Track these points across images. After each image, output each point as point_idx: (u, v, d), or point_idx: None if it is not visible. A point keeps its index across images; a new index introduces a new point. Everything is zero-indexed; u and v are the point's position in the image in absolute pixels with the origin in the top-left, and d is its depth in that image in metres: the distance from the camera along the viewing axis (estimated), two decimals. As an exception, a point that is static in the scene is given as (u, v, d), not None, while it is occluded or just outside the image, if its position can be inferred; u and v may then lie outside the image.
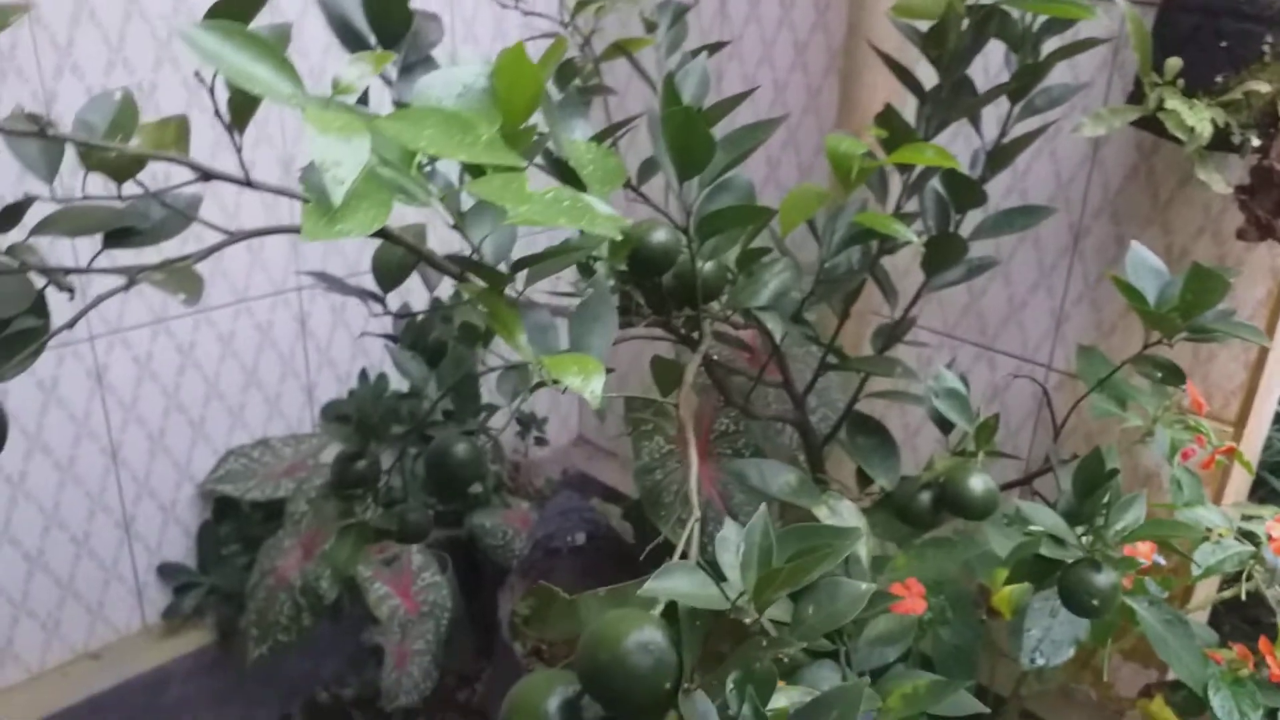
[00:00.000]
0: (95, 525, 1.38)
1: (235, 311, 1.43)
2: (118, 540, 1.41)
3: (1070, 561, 0.83)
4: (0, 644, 1.34)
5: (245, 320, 1.45)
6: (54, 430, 1.31)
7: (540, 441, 1.83)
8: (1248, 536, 0.99)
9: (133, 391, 1.37)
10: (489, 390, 1.66)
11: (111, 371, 1.34)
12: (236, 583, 1.45)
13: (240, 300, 1.43)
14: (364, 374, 1.60)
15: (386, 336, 0.93)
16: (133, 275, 0.60)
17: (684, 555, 0.59)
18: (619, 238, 0.54)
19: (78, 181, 0.62)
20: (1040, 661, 0.99)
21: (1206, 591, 1.19)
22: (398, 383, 1.64)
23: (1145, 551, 0.94)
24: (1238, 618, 1.38)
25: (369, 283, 0.79)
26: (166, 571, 1.47)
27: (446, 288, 1.43)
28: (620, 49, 0.89)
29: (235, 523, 1.50)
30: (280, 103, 0.49)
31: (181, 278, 0.59)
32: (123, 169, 0.60)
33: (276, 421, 1.54)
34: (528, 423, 1.80)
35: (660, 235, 0.81)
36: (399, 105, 0.66)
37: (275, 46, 0.50)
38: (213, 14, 0.52)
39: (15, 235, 0.64)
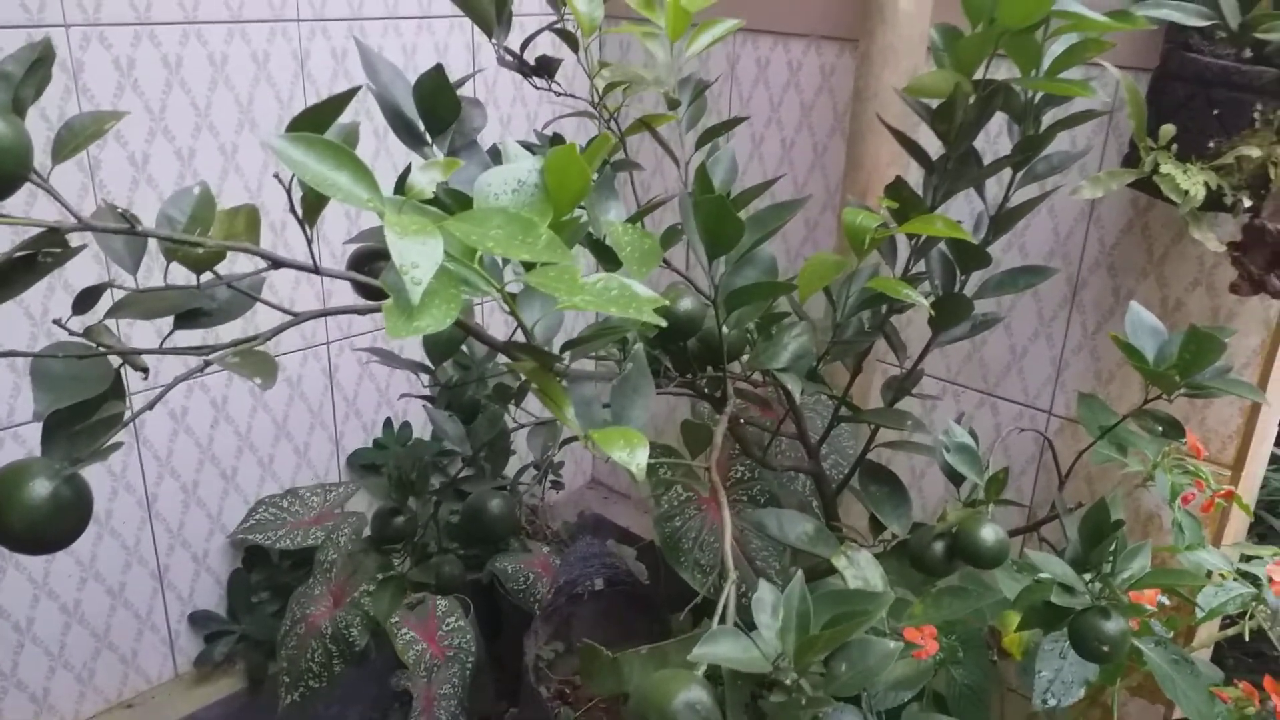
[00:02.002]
0: (130, 576, 1.42)
1: (265, 366, 1.48)
2: (151, 590, 1.45)
3: (1080, 609, 0.87)
4: (37, 695, 1.37)
5: (277, 375, 1.50)
6: (93, 485, 1.34)
7: (557, 485, 1.87)
8: (1248, 578, 1.03)
9: (168, 445, 1.41)
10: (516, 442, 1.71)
11: (148, 426, 1.38)
12: (266, 630, 1.49)
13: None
14: (389, 423, 1.65)
15: (424, 398, 0.98)
16: (207, 358, 0.65)
17: (723, 619, 0.63)
18: (662, 323, 0.59)
19: (158, 267, 0.67)
20: (1052, 702, 1.03)
21: (1209, 629, 1.23)
22: (419, 431, 1.69)
23: (1150, 597, 0.98)
24: (1240, 652, 1.42)
25: (397, 346, 0.83)
26: (198, 620, 1.51)
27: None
28: (644, 125, 0.95)
29: (265, 571, 1.54)
30: (359, 207, 0.54)
31: (255, 361, 0.63)
32: (202, 262, 0.64)
33: (305, 471, 1.58)
34: (544, 468, 1.84)
35: (687, 304, 0.86)
36: (449, 191, 0.71)
37: (352, 154, 0.55)
38: (296, 124, 0.57)
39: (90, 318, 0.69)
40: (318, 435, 1.58)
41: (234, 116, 1.36)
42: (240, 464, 1.50)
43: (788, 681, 0.56)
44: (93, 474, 1.33)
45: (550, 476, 1.85)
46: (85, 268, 1.19)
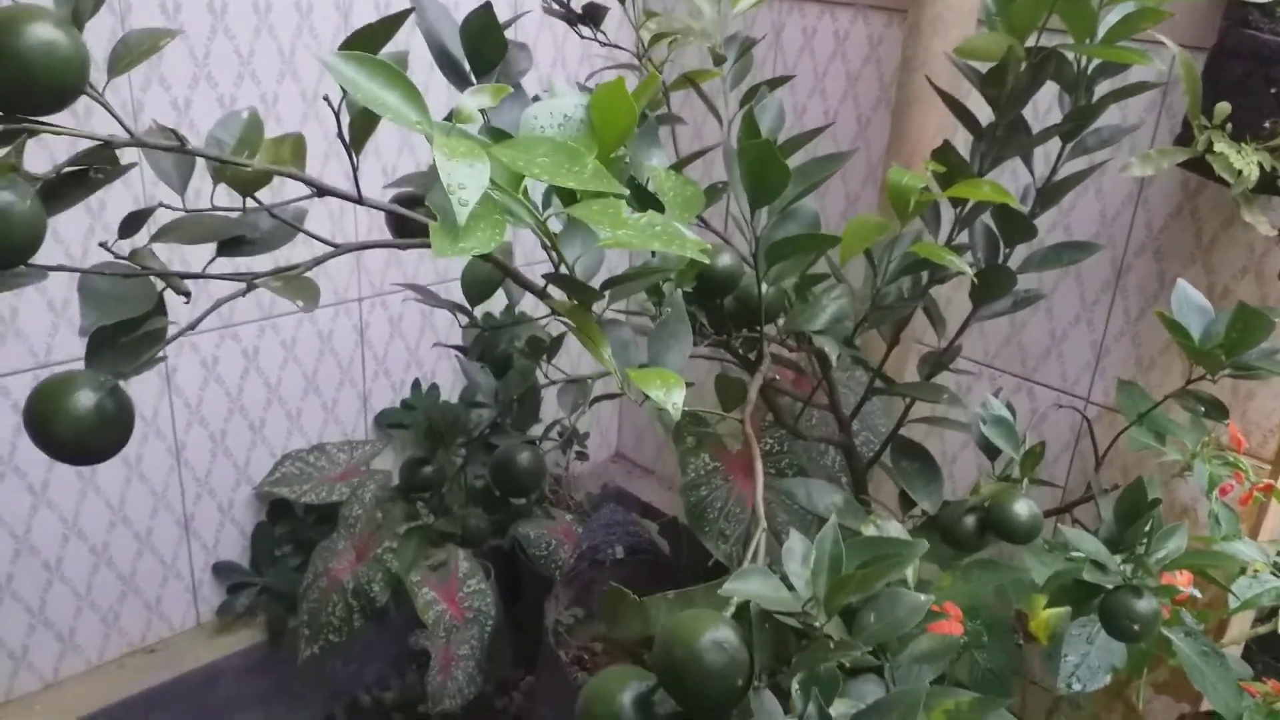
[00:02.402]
0: (157, 522, 1.43)
1: (299, 319, 1.49)
2: (177, 538, 1.46)
3: (1111, 587, 0.85)
4: (64, 634, 1.39)
5: (308, 328, 1.50)
6: (123, 428, 1.36)
7: (581, 456, 1.87)
8: (1285, 572, 1.01)
9: (198, 393, 1.42)
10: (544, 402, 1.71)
11: (180, 374, 1.39)
12: (288, 584, 1.49)
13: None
14: (417, 384, 1.65)
15: (456, 348, 0.97)
16: (250, 281, 0.65)
17: (754, 561, 0.63)
18: (706, 260, 0.58)
19: (198, 197, 0.67)
20: (1077, 687, 1.01)
21: (1240, 627, 1.21)
22: (446, 393, 1.69)
23: (1183, 581, 0.96)
24: (1271, 656, 1.40)
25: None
26: (221, 570, 1.52)
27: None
28: (689, 80, 0.94)
29: (289, 525, 1.54)
30: (408, 128, 0.53)
31: (298, 285, 0.63)
32: (249, 183, 0.64)
33: (332, 427, 1.59)
34: (570, 438, 1.84)
35: (726, 259, 0.85)
36: (492, 129, 0.71)
37: (404, 75, 0.54)
38: (348, 44, 0.57)
39: (138, 240, 0.69)
40: (346, 392, 1.59)
41: (276, 66, 1.36)
42: (269, 416, 1.51)
43: (817, 624, 0.56)
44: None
45: (576, 447, 1.85)
46: (127, 207, 1.19)
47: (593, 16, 0.92)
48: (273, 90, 1.37)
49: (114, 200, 1.25)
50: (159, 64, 1.26)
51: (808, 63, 1.52)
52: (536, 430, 1.71)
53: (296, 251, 0.74)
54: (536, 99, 0.80)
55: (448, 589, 1.47)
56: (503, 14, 1.57)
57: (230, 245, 0.70)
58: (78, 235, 1.24)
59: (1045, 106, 1.23)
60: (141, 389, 1.36)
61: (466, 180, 0.51)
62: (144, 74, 1.25)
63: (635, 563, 1.47)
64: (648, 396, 0.60)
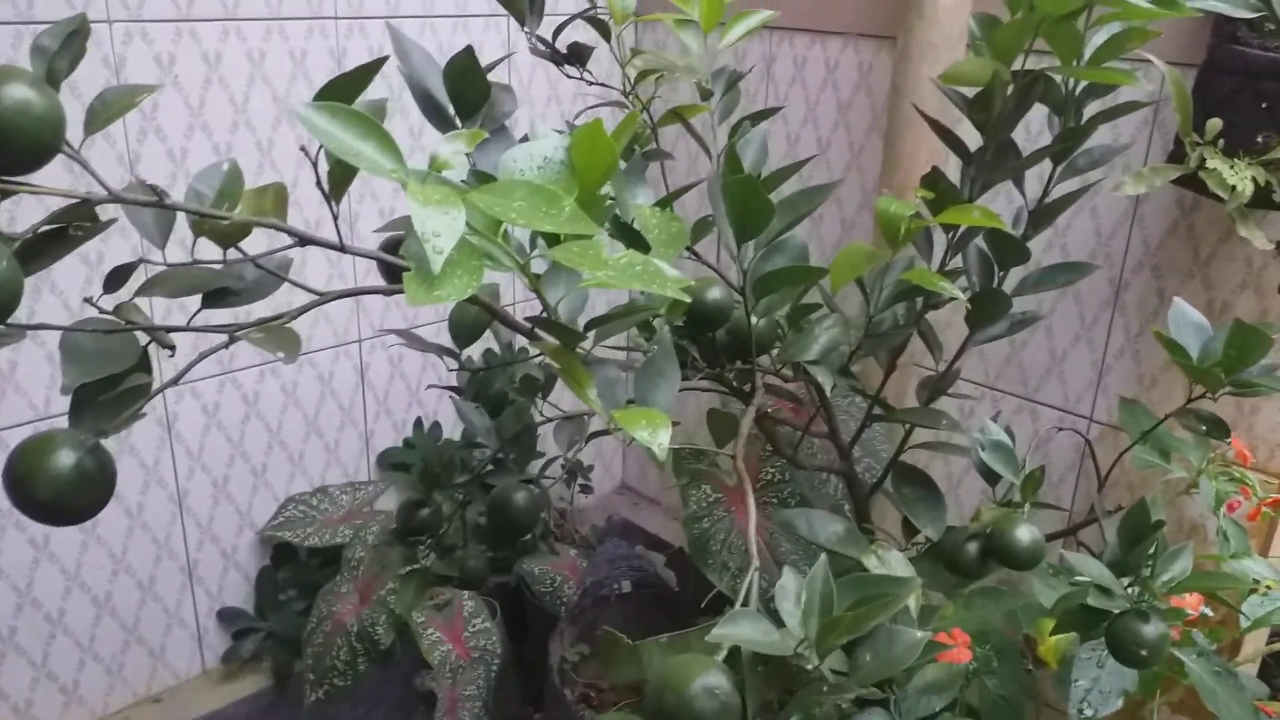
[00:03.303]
0: (160, 570, 1.43)
1: (299, 363, 1.49)
2: (180, 585, 1.46)
3: (1117, 612, 0.84)
4: (68, 687, 1.38)
5: (308, 371, 1.50)
6: (125, 477, 1.36)
7: (586, 489, 1.86)
8: (1297, 589, 1.00)
9: (199, 440, 1.42)
10: (543, 439, 1.70)
11: (181, 421, 1.39)
12: (293, 628, 1.49)
13: (304, 352, 1.49)
14: (419, 423, 1.65)
15: (451, 389, 0.97)
16: (233, 333, 0.64)
17: (745, 603, 0.62)
18: (686, 300, 0.58)
19: (186, 250, 0.67)
20: (1089, 713, 0.99)
21: (1255, 644, 1.19)
22: (449, 431, 1.68)
23: (1192, 603, 0.95)
24: (1289, 672, 1.37)
25: (427, 334, 0.83)
26: (226, 616, 1.51)
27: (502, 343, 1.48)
28: (677, 115, 0.94)
29: (293, 569, 1.54)
30: (384, 177, 0.53)
31: (280, 336, 0.63)
32: (229, 236, 0.64)
33: (334, 469, 1.58)
34: (574, 471, 1.84)
35: (716, 293, 0.85)
36: (476, 172, 0.71)
37: (378, 124, 0.54)
38: (323, 95, 0.57)
39: (121, 295, 0.69)
40: (348, 433, 1.58)
41: (271, 112, 1.37)
42: (270, 460, 1.51)
43: (809, 667, 0.55)
44: (126, 466, 1.35)
45: (579, 480, 1.84)
46: (124, 258, 1.20)
47: (578, 56, 0.92)
48: (268, 137, 1.37)
49: (111, 252, 1.25)
50: (155, 114, 1.27)
51: (799, 92, 1.53)
52: (539, 466, 1.70)
53: (296, 296, 0.73)
54: (525, 139, 0.80)
55: (453, 629, 1.46)
56: (495, 53, 1.59)
57: (215, 297, 0.70)
58: (75, 287, 1.25)
59: (1037, 129, 1.23)
60: (143, 438, 1.36)
61: (441, 228, 0.51)
62: (139, 125, 1.26)
63: (641, 597, 1.46)
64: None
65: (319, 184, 0.61)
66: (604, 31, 0.91)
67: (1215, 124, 1.03)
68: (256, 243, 0.70)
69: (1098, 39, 0.87)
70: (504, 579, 1.60)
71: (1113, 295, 1.27)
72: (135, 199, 0.61)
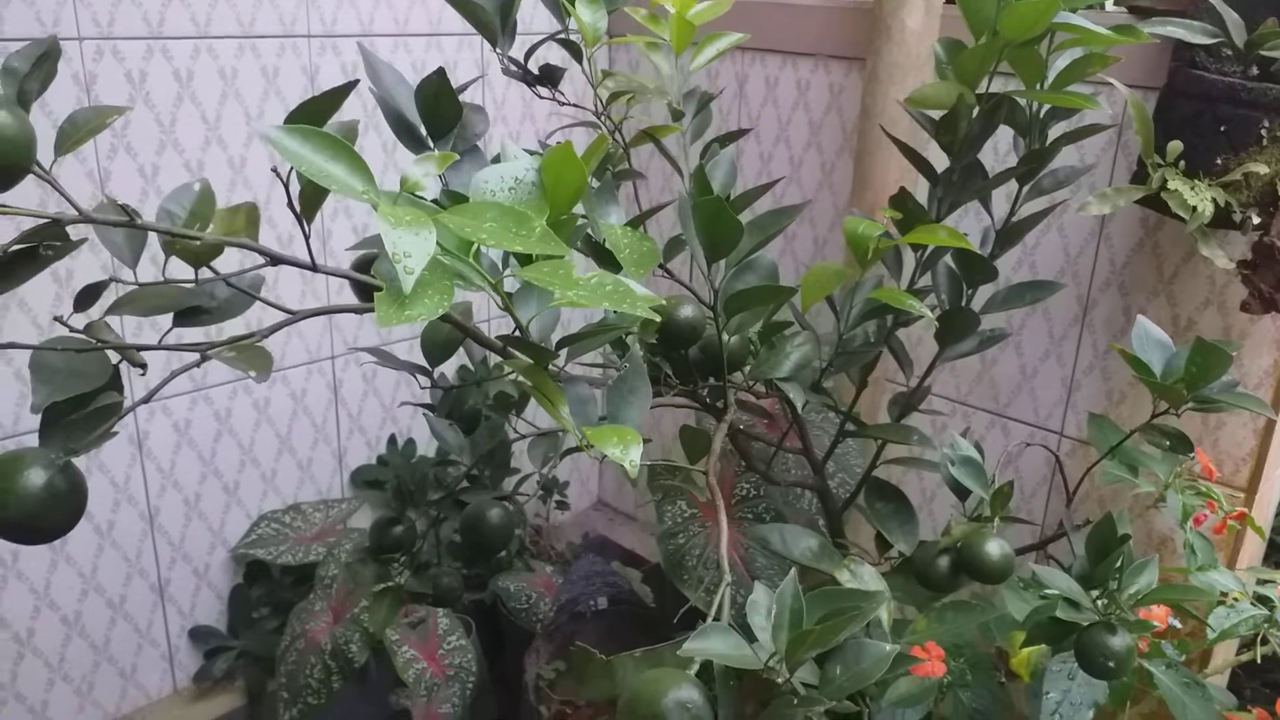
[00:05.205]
0: (131, 589, 1.41)
1: (271, 380, 1.48)
2: (152, 604, 1.44)
3: (1085, 624, 0.85)
4: (36, 708, 1.36)
5: (281, 389, 1.50)
6: (95, 495, 1.35)
7: (562, 506, 1.86)
8: (1263, 601, 1.01)
9: (171, 458, 1.41)
10: (517, 455, 1.71)
11: (152, 438, 1.38)
12: (266, 646, 1.48)
13: (276, 369, 1.49)
14: (393, 440, 1.65)
15: (424, 406, 0.97)
16: (205, 352, 0.64)
17: (717, 618, 0.62)
18: (656, 319, 0.59)
19: (158, 267, 0.67)
20: (1060, 725, 1.01)
21: (1225, 655, 1.21)
22: (423, 448, 1.68)
23: (1160, 615, 0.96)
24: (1259, 682, 1.39)
25: (400, 351, 0.84)
26: (198, 635, 1.50)
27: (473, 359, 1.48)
28: (649, 136, 0.95)
29: (266, 587, 1.53)
30: (354, 198, 0.54)
31: (251, 355, 0.63)
32: (200, 255, 0.65)
33: (308, 487, 1.58)
34: (550, 487, 1.84)
35: (688, 311, 0.86)
36: (448, 192, 0.71)
37: (349, 146, 0.55)
38: (293, 117, 0.57)
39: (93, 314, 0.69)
40: (321, 450, 1.58)
41: (243, 130, 1.37)
42: (243, 478, 1.50)
43: (780, 681, 0.55)
44: (96, 484, 1.34)
45: (556, 497, 1.84)
46: (94, 276, 1.19)
47: (549, 77, 0.93)
48: (240, 154, 1.37)
49: (81, 269, 1.25)
50: (126, 132, 1.27)
51: (771, 112, 1.54)
52: (513, 483, 1.70)
53: (268, 314, 0.74)
54: (497, 159, 0.81)
55: (428, 646, 1.45)
56: (469, 71, 1.60)
57: (187, 315, 0.70)
58: (45, 305, 1.24)
59: (1005, 149, 1.25)
60: (113, 455, 1.35)
61: (412, 248, 0.51)
62: (110, 142, 1.26)
63: (616, 613, 1.46)
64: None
65: (290, 205, 0.61)
66: (576, 53, 0.92)
67: (1176, 146, 1.05)
68: (229, 261, 0.70)
69: (1060, 63, 0.89)
70: (479, 596, 1.60)
71: (1081, 313, 1.29)
72: (107, 219, 0.61)
